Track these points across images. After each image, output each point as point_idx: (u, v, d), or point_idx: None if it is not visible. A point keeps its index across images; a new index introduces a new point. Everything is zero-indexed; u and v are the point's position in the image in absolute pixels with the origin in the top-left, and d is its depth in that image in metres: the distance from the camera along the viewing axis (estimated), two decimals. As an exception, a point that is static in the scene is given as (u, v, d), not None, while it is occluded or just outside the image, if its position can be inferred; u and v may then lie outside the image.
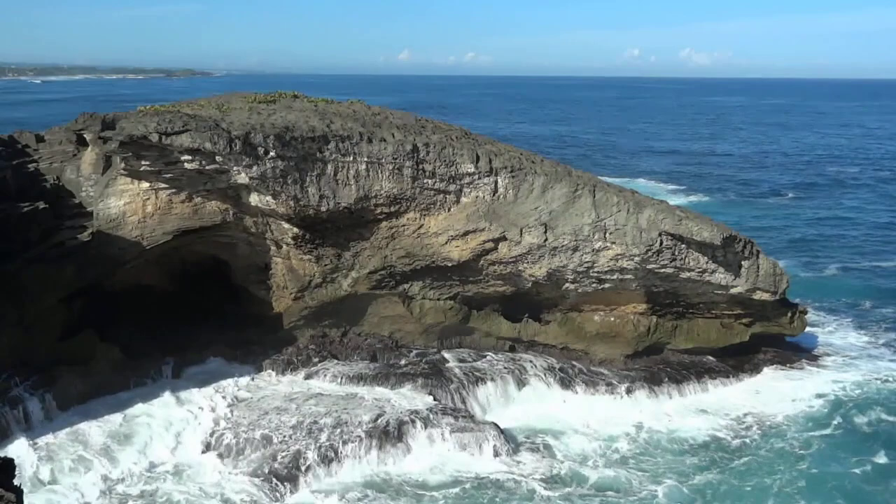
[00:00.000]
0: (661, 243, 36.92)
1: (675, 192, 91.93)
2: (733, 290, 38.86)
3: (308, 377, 37.45)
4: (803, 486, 30.55)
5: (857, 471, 31.71)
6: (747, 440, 34.35)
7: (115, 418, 32.61)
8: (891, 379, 40.08)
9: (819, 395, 38.25)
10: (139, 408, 33.47)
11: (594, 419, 35.59)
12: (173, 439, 31.77)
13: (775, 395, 38.46)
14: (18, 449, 29.47)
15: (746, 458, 32.82)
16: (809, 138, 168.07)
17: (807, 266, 62.28)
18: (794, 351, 43.43)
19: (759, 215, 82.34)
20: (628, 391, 37.88)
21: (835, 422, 35.77)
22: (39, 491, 27.89)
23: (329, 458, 30.91)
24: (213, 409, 33.86)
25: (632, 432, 34.77)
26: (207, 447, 31.55)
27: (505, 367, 38.93)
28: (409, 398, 35.53)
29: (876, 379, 39.99)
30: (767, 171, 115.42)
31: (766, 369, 41.21)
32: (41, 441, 30.58)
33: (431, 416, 33.65)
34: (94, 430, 31.67)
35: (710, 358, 41.32)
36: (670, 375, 39.37)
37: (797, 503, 29.72)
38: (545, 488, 30.26)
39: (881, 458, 32.62)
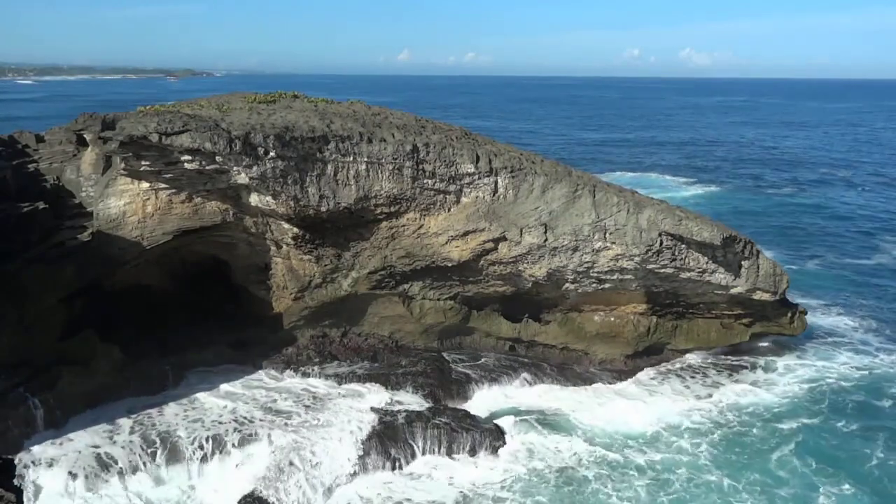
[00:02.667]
0: (661, 243, 36.94)
1: (690, 185, 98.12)
2: (733, 291, 38.88)
3: (308, 377, 37.46)
4: (799, 462, 32.38)
5: (856, 448, 33.35)
6: (745, 425, 35.30)
7: (118, 422, 32.58)
8: (875, 362, 42.22)
9: (809, 379, 39.94)
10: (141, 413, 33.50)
11: (595, 417, 35.65)
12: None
13: (770, 380, 39.79)
14: (19, 450, 29.40)
15: (747, 440, 34.05)
16: (811, 137, 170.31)
17: (801, 254, 64.72)
18: (787, 336, 43.80)
19: (762, 206, 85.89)
20: (626, 388, 38.01)
21: (825, 403, 37.37)
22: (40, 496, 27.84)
23: (329, 459, 30.86)
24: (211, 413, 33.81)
25: (632, 428, 34.88)
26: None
27: (505, 368, 38.95)
28: (409, 399, 35.53)
29: (861, 362, 41.99)
30: (771, 167, 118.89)
31: (759, 356, 42.27)
32: (42, 442, 30.50)
33: (432, 416, 33.63)
34: (92, 433, 31.63)
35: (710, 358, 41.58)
36: (669, 371, 39.77)
37: (795, 475, 31.46)
38: (546, 487, 30.27)
39: (872, 434, 34.49)
